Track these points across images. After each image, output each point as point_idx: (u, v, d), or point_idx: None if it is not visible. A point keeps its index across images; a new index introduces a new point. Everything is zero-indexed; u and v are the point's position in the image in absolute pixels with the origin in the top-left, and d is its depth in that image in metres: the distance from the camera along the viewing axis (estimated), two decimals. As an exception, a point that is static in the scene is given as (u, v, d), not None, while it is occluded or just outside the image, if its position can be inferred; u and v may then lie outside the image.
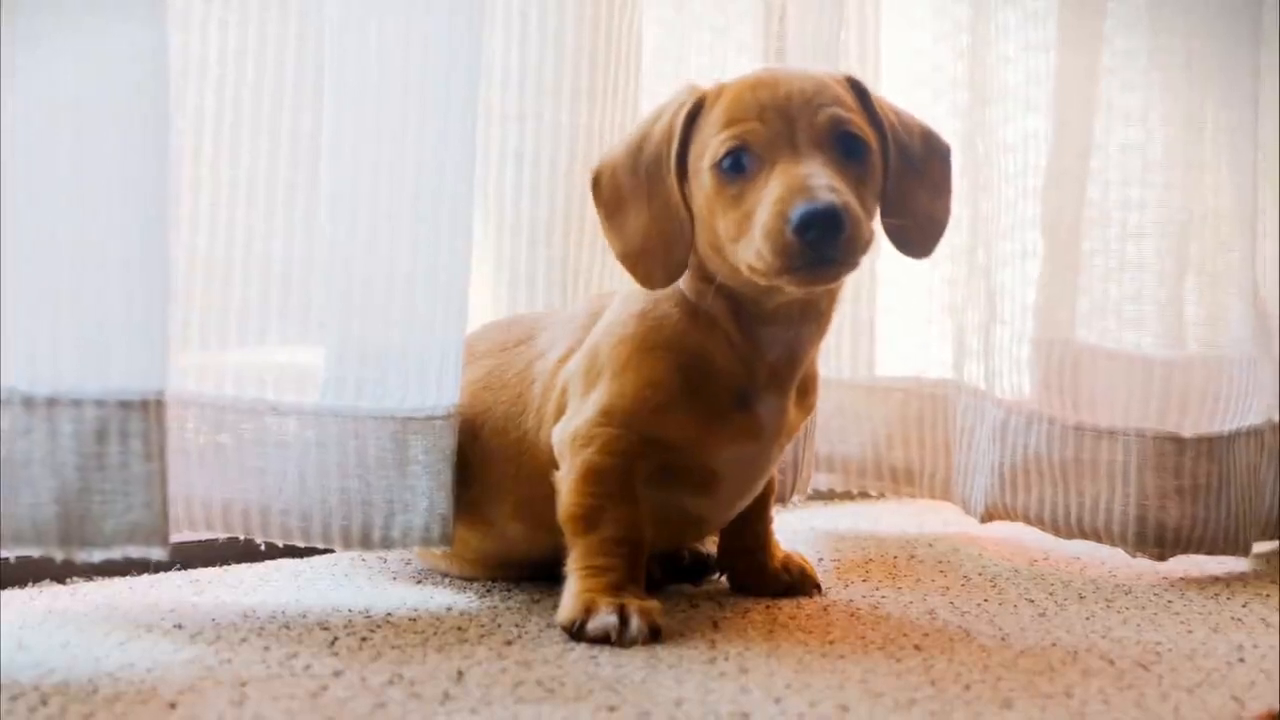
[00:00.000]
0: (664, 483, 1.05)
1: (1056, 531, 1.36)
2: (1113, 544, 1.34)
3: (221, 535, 1.07)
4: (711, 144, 0.99)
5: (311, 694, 0.83)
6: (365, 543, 1.07)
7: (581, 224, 1.30)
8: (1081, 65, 1.40)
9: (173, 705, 0.80)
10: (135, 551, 0.92)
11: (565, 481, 1.03)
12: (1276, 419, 1.41)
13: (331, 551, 1.23)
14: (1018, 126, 1.41)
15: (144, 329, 0.92)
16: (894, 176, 1.03)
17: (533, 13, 1.27)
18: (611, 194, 1.04)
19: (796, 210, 0.92)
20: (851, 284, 1.53)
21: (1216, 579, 1.30)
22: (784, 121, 0.97)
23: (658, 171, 1.02)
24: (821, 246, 0.92)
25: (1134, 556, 1.33)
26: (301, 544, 1.08)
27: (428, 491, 1.07)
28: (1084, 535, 1.35)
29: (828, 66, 1.26)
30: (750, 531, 1.16)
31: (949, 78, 1.50)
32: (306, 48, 1.08)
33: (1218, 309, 1.41)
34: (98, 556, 0.91)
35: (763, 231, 0.94)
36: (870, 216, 0.99)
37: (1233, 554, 1.34)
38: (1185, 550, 1.32)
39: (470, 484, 1.10)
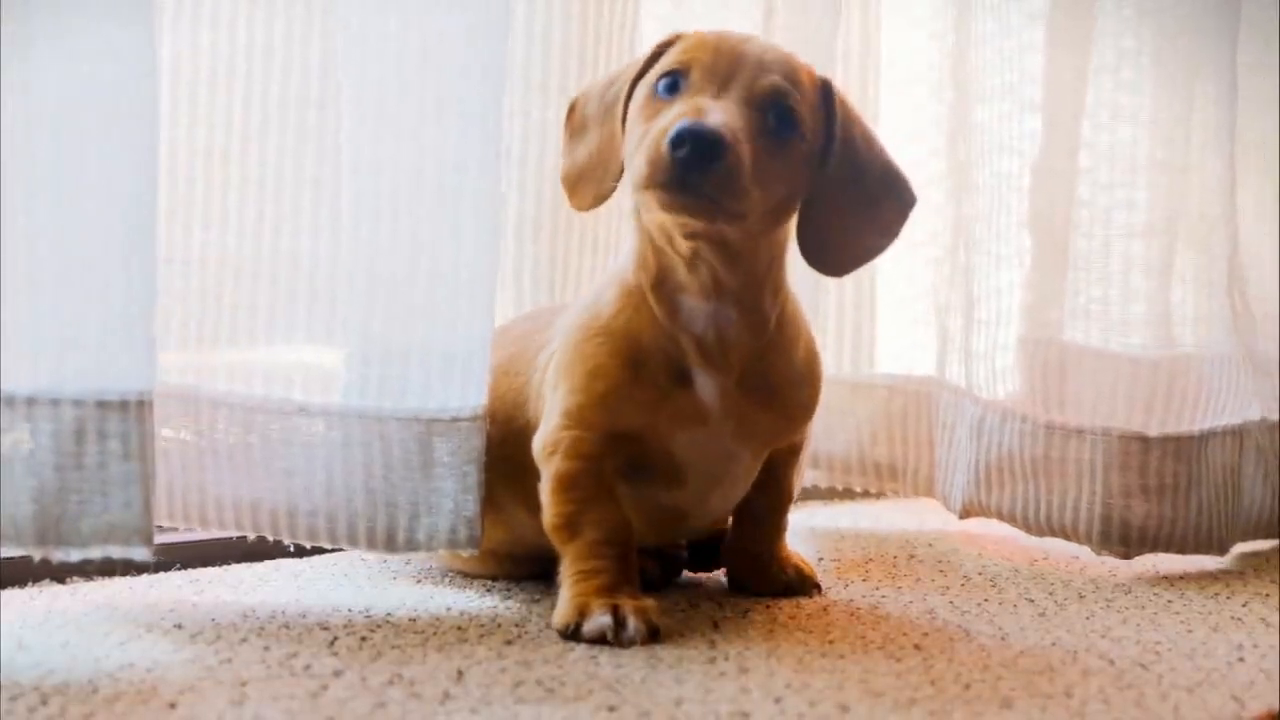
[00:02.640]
0: (636, 479, 1.05)
1: (1028, 529, 1.36)
2: (1079, 542, 1.33)
3: (252, 535, 1.07)
4: (657, 68, 1.00)
5: (311, 694, 0.83)
6: (390, 545, 1.06)
7: (569, 222, 1.30)
8: (1071, 65, 1.39)
9: (173, 705, 0.80)
10: (116, 551, 0.91)
11: (544, 493, 1.04)
12: (1275, 419, 1.40)
13: (335, 551, 1.22)
14: (1009, 126, 1.41)
15: (125, 330, 0.92)
16: (828, 186, 1.02)
17: (520, 9, 1.26)
18: (579, 119, 1.07)
19: (676, 125, 0.92)
20: (842, 283, 1.53)
21: (1216, 579, 1.30)
22: (729, 67, 0.98)
23: (615, 98, 1.04)
24: (689, 168, 0.92)
25: (1099, 554, 1.33)
26: (328, 545, 1.08)
27: (453, 494, 1.07)
28: (1053, 533, 1.35)
29: (818, 63, 1.24)
30: (760, 533, 1.16)
31: (940, 78, 1.50)
32: (331, 44, 1.07)
33: (1198, 309, 1.40)
34: (75, 556, 0.91)
35: (646, 142, 0.95)
36: (768, 189, 0.97)
37: (1206, 553, 1.34)
38: (1152, 549, 1.32)
39: (486, 467, 1.09)
